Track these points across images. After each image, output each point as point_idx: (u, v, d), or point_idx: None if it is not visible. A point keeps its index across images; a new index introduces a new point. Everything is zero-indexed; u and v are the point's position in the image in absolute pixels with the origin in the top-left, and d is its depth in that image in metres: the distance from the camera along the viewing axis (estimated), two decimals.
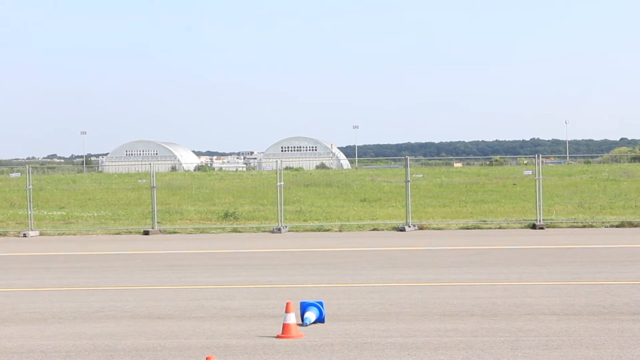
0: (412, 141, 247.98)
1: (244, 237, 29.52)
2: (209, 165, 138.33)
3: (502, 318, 12.67)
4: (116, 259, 23.39)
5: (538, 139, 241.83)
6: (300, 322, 12.17)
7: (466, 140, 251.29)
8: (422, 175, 46.23)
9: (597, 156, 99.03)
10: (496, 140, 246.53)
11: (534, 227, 29.79)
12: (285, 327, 11.51)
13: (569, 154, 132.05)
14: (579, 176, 54.49)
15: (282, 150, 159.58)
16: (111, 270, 20.54)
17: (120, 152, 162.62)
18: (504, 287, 16.10)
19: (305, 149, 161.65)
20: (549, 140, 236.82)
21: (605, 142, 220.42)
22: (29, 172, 33.77)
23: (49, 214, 37.97)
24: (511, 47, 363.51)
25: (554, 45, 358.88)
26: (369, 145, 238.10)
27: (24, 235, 31.29)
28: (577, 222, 30.54)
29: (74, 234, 31.77)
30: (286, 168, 63.86)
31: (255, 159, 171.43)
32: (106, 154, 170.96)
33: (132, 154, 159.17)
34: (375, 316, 13.06)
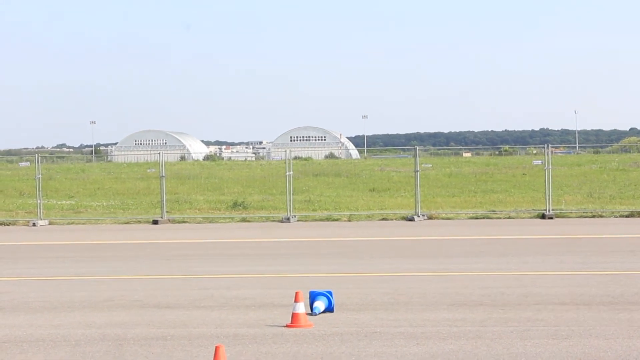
0: (421, 131, 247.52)
1: (253, 226, 29.54)
2: (217, 154, 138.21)
3: (511, 308, 12.65)
4: (125, 249, 23.43)
5: (547, 129, 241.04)
6: (310, 312, 12.16)
7: (475, 130, 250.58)
8: (431, 165, 46.14)
9: (607, 146, 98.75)
10: (505, 130, 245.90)
11: (543, 217, 29.75)
12: (294, 316, 11.51)
13: (579, 144, 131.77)
14: (588, 166, 54.34)
15: (291, 140, 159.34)
16: (120, 259, 20.58)
17: (129, 142, 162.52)
18: (513, 277, 16.08)
19: (314, 138, 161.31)
20: (558, 130, 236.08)
21: (614, 132, 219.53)
22: (38, 162, 33.81)
23: (58, 203, 38.02)
24: (520, 37, 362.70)
25: (563, 35, 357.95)
26: (378, 135, 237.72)
27: (34, 225, 31.36)
28: (586, 212, 30.50)
29: (83, 224, 31.83)
30: (295, 158, 63.74)
31: (264, 148, 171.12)
32: (115, 144, 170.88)
33: (141, 144, 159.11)
34: (384, 306, 13.05)
